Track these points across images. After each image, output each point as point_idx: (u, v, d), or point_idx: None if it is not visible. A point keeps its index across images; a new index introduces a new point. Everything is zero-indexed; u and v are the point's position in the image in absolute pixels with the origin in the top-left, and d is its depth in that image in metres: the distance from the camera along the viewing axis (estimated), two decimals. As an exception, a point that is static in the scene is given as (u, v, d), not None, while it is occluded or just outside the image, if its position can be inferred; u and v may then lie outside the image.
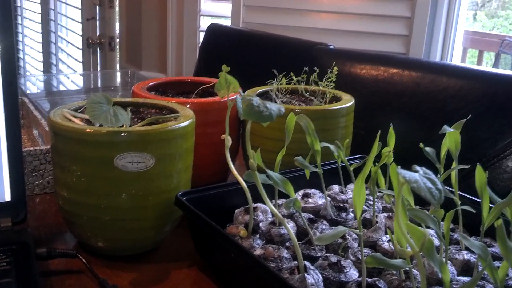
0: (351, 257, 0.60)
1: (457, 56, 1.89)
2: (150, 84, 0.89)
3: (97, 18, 2.86)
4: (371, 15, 1.83)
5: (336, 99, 0.90)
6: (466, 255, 0.60)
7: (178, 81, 0.95)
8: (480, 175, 0.55)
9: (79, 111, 0.70)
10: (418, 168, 0.37)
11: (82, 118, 0.68)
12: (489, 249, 0.60)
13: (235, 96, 0.57)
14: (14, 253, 0.61)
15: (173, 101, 0.76)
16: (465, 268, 0.60)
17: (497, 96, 1.06)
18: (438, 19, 1.80)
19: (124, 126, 0.63)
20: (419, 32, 1.77)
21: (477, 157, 1.03)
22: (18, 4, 4.02)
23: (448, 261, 0.59)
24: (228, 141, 0.62)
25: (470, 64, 3.79)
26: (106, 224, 0.64)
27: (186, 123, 0.66)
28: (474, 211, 0.59)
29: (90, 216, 0.64)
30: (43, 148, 0.83)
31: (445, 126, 0.58)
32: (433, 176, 0.37)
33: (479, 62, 3.80)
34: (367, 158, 0.56)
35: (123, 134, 0.61)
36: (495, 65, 3.71)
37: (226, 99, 0.63)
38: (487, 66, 3.98)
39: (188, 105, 0.77)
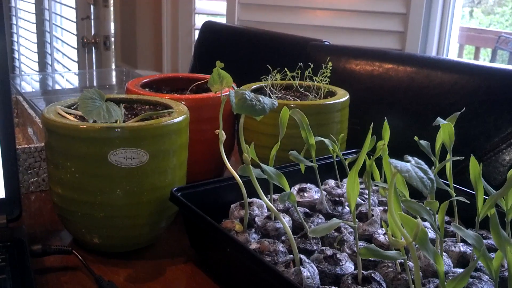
0: (347, 250, 0.60)
1: (453, 52, 1.89)
2: (144, 81, 0.89)
3: (92, 18, 2.85)
4: (366, 11, 1.83)
5: (331, 94, 0.90)
6: (462, 247, 0.60)
7: (172, 78, 0.94)
8: (474, 167, 0.55)
9: (73, 107, 0.70)
10: (410, 158, 0.37)
11: (76, 115, 0.67)
12: (485, 241, 0.60)
13: (228, 91, 0.57)
14: (9, 250, 0.61)
15: (167, 97, 0.76)
16: (461, 260, 0.60)
17: (491, 90, 1.06)
18: (433, 15, 1.80)
19: (118, 122, 0.63)
20: (415, 28, 1.77)
21: (473, 151, 1.03)
22: (13, 5, 4.01)
23: (444, 253, 0.59)
24: (222, 135, 0.62)
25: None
26: (101, 220, 0.64)
27: (180, 118, 0.66)
28: (468, 201, 0.59)
29: (84, 213, 0.64)
30: (37, 146, 0.82)
31: (439, 118, 0.57)
32: (425, 166, 0.37)
33: (476, 58, 3.80)
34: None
35: (116, 130, 0.61)
36: (492, 61, 3.72)
37: (220, 94, 0.63)
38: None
39: (183, 102, 0.77)
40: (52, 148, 0.65)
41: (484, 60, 3.98)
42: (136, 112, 0.73)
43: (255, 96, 0.55)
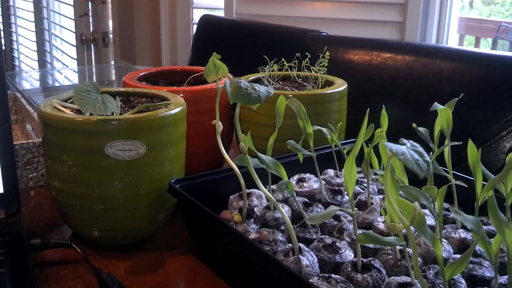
0: (346, 239, 0.60)
1: (453, 42, 1.88)
2: (141, 74, 0.89)
3: (90, 15, 2.85)
4: (365, 2, 1.82)
5: (329, 84, 0.90)
6: (462, 234, 0.60)
7: (169, 71, 0.94)
8: (472, 152, 0.54)
9: (69, 101, 0.69)
10: (405, 141, 0.37)
11: (72, 108, 0.67)
12: (485, 227, 0.60)
13: (223, 81, 0.57)
14: (8, 245, 0.61)
15: (164, 90, 0.76)
16: (462, 247, 0.59)
17: (490, 78, 1.05)
18: (432, 5, 1.79)
19: (114, 114, 0.63)
20: (413, 19, 1.76)
21: (473, 139, 1.02)
22: (11, 4, 4.00)
23: (445, 240, 0.59)
24: (219, 126, 0.62)
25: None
26: (99, 213, 0.64)
27: (176, 110, 0.66)
28: (466, 185, 0.58)
29: (83, 206, 0.64)
30: (35, 141, 0.82)
31: (436, 104, 0.57)
32: (420, 149, 0.37)
33: (476, 48, 3.79)
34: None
35: (113, 122, 0.61)
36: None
37: (216, 84, 0.63)
38: (483, 52, 3.96)
39: (180, 94, 0.76)
40: (49, 142, 0.65)
41: (484, 50, 3.96)
42: (133, 105, 0.73)
43: (250, 85, 0.55)
